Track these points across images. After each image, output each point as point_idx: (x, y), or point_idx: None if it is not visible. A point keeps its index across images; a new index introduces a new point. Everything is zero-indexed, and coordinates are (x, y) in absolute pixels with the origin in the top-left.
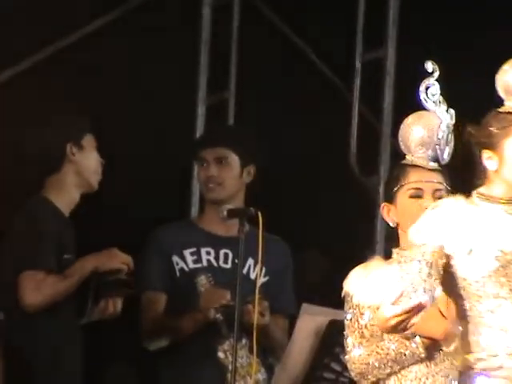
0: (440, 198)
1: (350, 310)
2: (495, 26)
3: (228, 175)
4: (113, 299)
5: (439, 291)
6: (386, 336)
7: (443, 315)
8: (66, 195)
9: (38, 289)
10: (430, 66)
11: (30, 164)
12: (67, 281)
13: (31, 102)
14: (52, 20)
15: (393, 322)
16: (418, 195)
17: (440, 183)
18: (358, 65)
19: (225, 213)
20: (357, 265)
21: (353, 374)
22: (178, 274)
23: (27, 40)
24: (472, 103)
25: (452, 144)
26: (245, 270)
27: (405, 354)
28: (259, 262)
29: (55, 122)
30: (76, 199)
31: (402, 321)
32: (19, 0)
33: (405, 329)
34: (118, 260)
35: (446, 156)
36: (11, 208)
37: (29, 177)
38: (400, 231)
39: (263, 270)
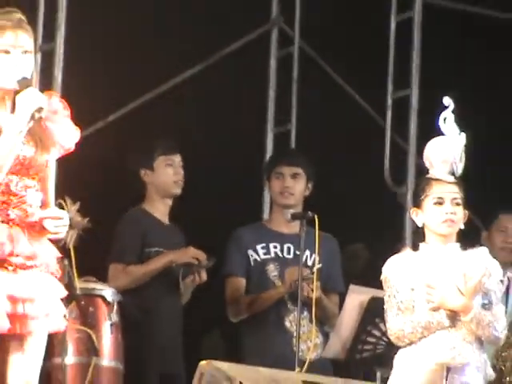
0: (457, 204)
1: (389, 290)
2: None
3: (299, 187)
4: (197, 271)
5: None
6: (417, 309)
7: (461, 292)
8: (156, 205)
9: (116, 278)
10: (446, 100)
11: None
12: (144, 268)
13: (133, 134)
14: (151, 70)
15: None
16: (439, 203)
17: (457, 193)
18: (390, 101)
19: (289, 216)
20: (391, 255)
21: (392, 338)
22: (252, 263)
23: (121, 93)
24: (473, 130)
25: (464, 160)
26: (304, 259)
27: (433, 323)
28: (316, 253)
29: (133, 153)
30: (167, 205)
31: None
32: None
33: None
34: (190, 255)
35: (460, 170)
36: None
37: (132, 194)
38: (426, 230)
39: (318, 259)
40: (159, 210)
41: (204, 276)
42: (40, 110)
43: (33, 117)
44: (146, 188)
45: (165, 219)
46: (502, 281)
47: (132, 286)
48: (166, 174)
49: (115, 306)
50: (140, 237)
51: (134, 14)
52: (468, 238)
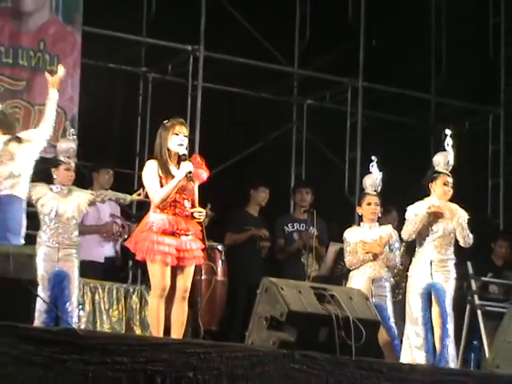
0: (376, 205)
1: (345, 244)
2: None
3: (309, 199)
4: (264, 240)
5: None
6: (358, 252)
7: (379, 244)
8: (253, 208)
9: (228, 239)
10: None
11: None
12: (240, 236)
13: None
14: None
15: None
16: (369, 203)
17: (377, 199)
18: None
19: (302, 210)
20: (346, 228)
21: (347, 265)
22: (286, 233)
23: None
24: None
25: (380, 183)
26: (310, 230)
27: (365, 259)
28: (314, 227)
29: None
30: (257, 209)
31: None
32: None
33: None
34: (263, 232)
35: (378, 189)
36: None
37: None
38: (363, 217)
39: (315, 230)
40: (254, 209)
41: (267, 244)
42: (190, 172)
43: (186, 175)
44: (249, 199)
45: (256, 213)
46: (401, 239)
47: (233, 244)
48: (264, 192)
49: (223, 253)
50: (240, 222)
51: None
52: None
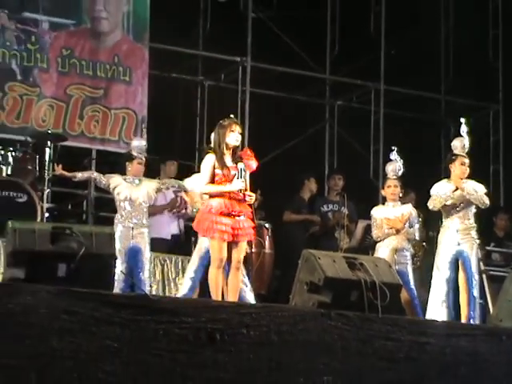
0: (395, 187)
1: (372, 219)
2: None
3: (341, 184)
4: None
5: None
6: (384, 227)
7: (400, 221)
8: (306, 194)
9: (286, 217)
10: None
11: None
12: (297, 217)
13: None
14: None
15: None
16: (389, 186)
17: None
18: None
19: (335, 193)
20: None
21: (374, 238)
22: (322, 212)
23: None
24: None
25: (401, 170)
26: (342, 209)
27: (389, 233)
28: (346, 207)
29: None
30: (308, 196)
31: None
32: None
33: None
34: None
35: (399, 173)
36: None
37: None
38: (386, 198)
39: (346, 210)
40: (306, 195)
41: (316, 229)
42: (241, 190)
43: (239, 189)
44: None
45: (307, 199)
46: (419, 215)
47: (289, 221)
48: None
49: (269, 229)
50: (298, 204)
51: None
52: None
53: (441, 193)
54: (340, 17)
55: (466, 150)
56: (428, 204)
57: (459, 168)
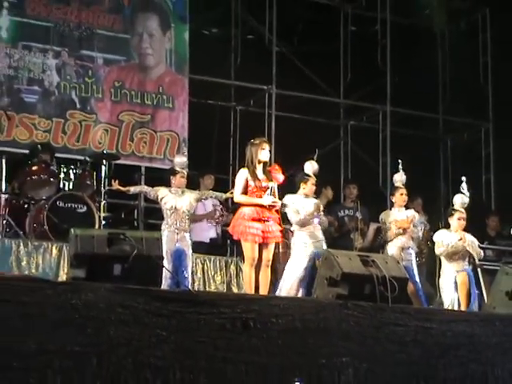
0: (405, 195)
1: (381, 222)
2: None
3: (356, 193)
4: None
5: None
6: (393, 229)
7: (407, 222)
8: (323, 202)
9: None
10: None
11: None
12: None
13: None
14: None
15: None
16: (459, 219)
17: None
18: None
19: (350, 200)
20: (382, 211)
21: (384, 237)
22: (339, 217)
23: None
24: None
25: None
26: (357, 215)
27: (398, 233)
28: (359, 211)
29: None
30: (324, 204)
31: None
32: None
33: None
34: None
35: (465, 205)
36: None
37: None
38: (394, 203)
39: (360, 215)
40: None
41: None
42: (270, 205)
43: (268, 205)
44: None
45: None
46: (422, 222)
47: None
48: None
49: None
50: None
51: None
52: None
53: (445, 242)
54: (351, 49)
55: (465, 206)
56: (436, 251)
57: (456, 222)
